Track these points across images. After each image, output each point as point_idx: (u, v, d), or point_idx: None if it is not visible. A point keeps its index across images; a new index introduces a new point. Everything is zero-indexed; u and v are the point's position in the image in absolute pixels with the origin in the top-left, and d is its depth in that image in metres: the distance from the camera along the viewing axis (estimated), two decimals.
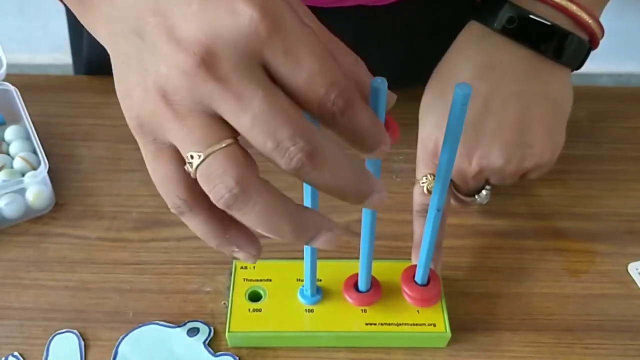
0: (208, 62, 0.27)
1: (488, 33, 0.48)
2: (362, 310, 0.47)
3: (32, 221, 0.55)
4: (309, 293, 0.47)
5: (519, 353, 0.48)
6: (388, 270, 0.49)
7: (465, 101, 0.35)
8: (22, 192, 0.54)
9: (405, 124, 0.53)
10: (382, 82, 0.31)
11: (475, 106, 0.47)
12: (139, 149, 0.31)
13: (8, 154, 0.57)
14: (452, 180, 0.50)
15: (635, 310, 0.50)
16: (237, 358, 0.46)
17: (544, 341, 0.48)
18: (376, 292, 0.48)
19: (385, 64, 0.62)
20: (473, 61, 0.48)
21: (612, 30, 0.50)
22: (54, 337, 0.47)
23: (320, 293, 0.48)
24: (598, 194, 0.58)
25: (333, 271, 0.49)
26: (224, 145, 0.28)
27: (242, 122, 0.28)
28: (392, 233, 0.54)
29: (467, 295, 0.51)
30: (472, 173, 0.49)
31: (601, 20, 0.48)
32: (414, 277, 0.47)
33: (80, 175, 0.58)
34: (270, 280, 0.49)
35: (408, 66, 0.59)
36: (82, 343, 0.47)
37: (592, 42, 0.48)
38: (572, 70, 0.49)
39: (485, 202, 0.52)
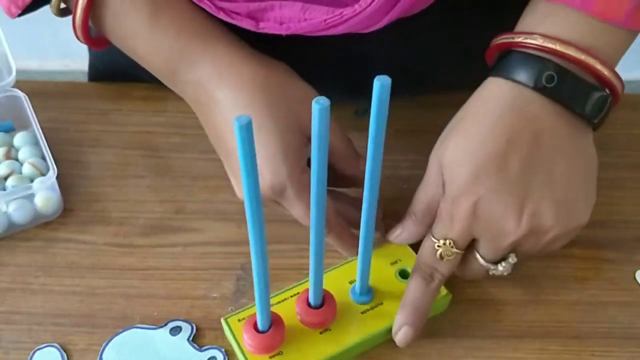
0: (276, 190, 0.47)
1: (518, 89, 0.45)
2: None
3: (40, 226, 0.55)
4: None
5: None
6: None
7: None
8: (31, 197, 0.54)
9: (412, 130, 0.54)
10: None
11: (520, 158, 0.44)
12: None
13: (17, 160, 0.57)
14: (475, 247, 0.47)
15: None
16: (223, 351, 0.47)
17: (551, 348, 0.48)
18: (330, 307, 0.47)
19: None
20: (507, 116, 0.45)
21: None
22: (35, 352, 0.47)
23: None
24: (606, 200, 0.58)
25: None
26: None
27: None
28: None
29: (474, 301, 0.51)
30: (519, 234, 0.45)
31: None
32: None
33: (88, 180, 0.58)
34: None
35: (403, 77, 0.58)
36: (65, 356, 0.47)
37: (614, 97, 0.46)
38: (594, 129, 0.47)
39: (506, 273, 0.48)
